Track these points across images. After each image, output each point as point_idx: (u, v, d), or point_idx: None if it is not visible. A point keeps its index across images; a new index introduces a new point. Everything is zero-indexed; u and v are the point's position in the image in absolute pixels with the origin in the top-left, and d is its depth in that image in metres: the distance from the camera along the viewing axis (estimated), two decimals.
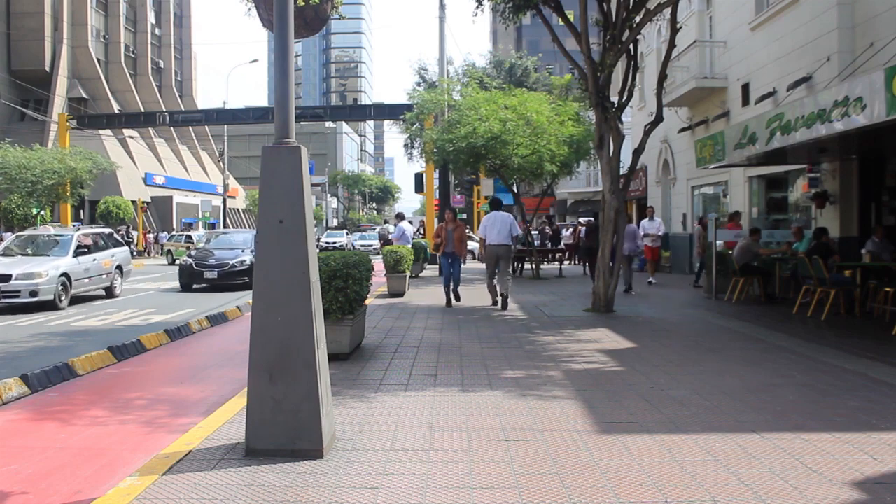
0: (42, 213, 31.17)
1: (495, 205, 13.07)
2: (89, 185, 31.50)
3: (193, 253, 19.62)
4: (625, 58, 12.41)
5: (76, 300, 15.07)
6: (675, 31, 12.11)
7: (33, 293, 13.35)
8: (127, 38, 53.34)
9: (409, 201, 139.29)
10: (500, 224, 12.06)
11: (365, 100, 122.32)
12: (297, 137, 4.71)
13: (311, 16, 6.95)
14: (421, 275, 20.07)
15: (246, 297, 14.91)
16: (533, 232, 23.25)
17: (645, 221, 17.77)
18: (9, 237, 19.31)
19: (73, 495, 4.23)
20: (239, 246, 19.06)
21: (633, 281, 15.25)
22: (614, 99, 12.72)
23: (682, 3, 15.96)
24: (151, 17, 56.87)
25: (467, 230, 14.45)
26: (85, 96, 46.69)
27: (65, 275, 14.12)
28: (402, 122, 26.76)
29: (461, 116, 18.00)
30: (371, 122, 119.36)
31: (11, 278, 13.33)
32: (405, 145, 43.19)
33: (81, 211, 41.20)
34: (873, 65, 10.61)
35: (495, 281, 12.43)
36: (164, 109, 47.81)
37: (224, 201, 49.27)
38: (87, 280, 15.09)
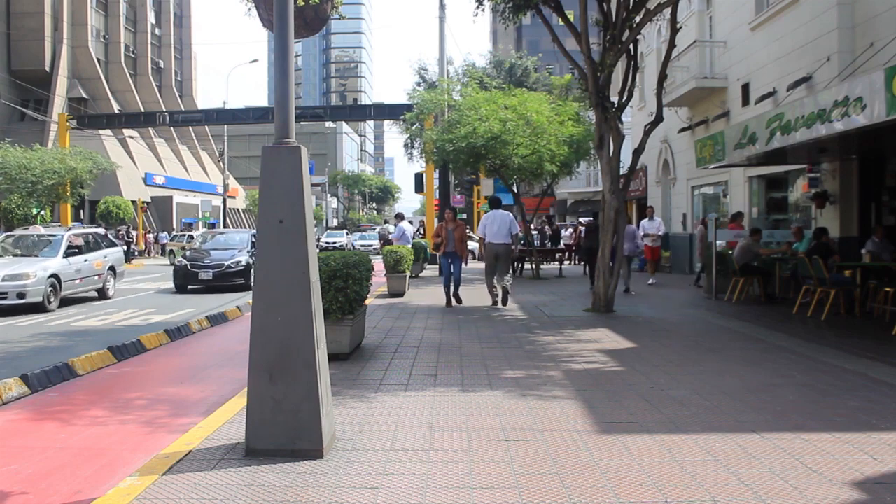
0: (42, 213, 31.15)
1: (495, 204, 13.12)
2: (89, 185, 31.50)
3: (188, 253, 19.14)
4: (625, 58, 12.41)
5: (70, 301, 14.90)
6: (675, 31, 12.11)
7: (21, 295, 12.95)
8: (127, 38, 53.33)
9: (409, 201, 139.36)
10: (499, 222, 12.12)
11: (365, 100, 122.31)
12: (297, 137, 4.71)
13: (311, 16, 6.95)
14: (421, 275, 20.07)
15: (245, 298, 14.92)
16: (532, 232, 23.25)
17: (645, 221, 17.77)
18: None
19: (73, 495, 4.23)
20: (235, 246, 18.67)
21: (630, 281, 15.23)
22: (614, 99, 12.72)
23: (682, 3, 15.96)
24: (151, 17, 56.86)
25: (467, 230, 14.43)
26: (85, 96, 46.68)
27: (54, 276, 13.72)
28: (402, 122, 26.76)
29: (461, 116, 18.00)
30: (371, 122, 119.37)
31: None
32: (405, 145, 43.21)
33: (81, 211, 41.19)
34: (873, 65, 10.61)
35: (495, 280, 12.47)
36: (164, 109, 47.80)
37: (224, 201, 49.27)
38: (77, 281, 14.72)
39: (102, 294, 15.87)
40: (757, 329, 9.80)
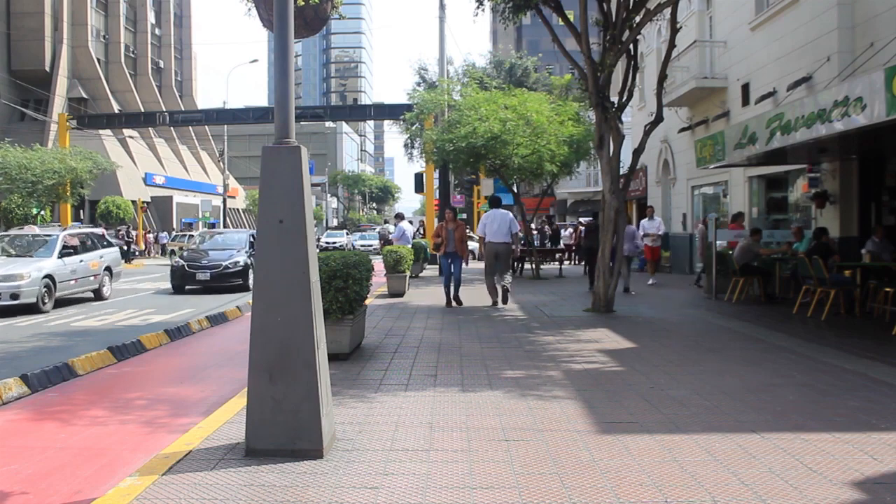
0: (42, 213, 31.16)
1: (495, 203, 13.15)
2: (89, 185, 31.51)
3: (186, 254, 18.88)
4: (625, 58, 12.41)
5: (67, 302, 14.83)
6: (675, 31, 12.11)
7: (14, 296, 12.75)
8: (127, 38, 53.33)
9: (409, 201, 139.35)
10: (499, 222, 12.15)
11: (365, 100, 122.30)
12: (297, 137, 4.71)
13: (311, 16, 6.95)
14: (421, 275, 20.08)
15: (244, 298, 14.92)
16: (533, 231, 23.25)
17: (645, 221, 17.76)
18: None
19: (73, 495, 4.23)
20: (233, 246, 18.40)
21: (630, 281, 15.23)
22: (614, 99, 12.72)
23: (682, 3, 15.96)
24: (151, 17, 56.86)
25: (467, 230, 14.43)
26: (85, 96, 46.68)
27: (48, 276, 13.51)
28: (402, 122, 26.76)
29: (461, 116, 18.00)
30: (371, 122, 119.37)
31: None
32: (405, 145, 43.22)
33: (81, 211, 41.20)
34: (873, 65, 10.61)
35: (495, 279, 12.49)
36: (164, 109, 47.80)
37: (224, 201, 49.27)
38: (72, 282, 14.50)
39: (98, 295, 15.68)
40: (757, 329, 9.80)
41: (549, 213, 41.14)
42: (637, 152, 12.43)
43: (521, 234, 15.08)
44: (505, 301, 12.48)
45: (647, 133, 12.39)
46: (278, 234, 4.48)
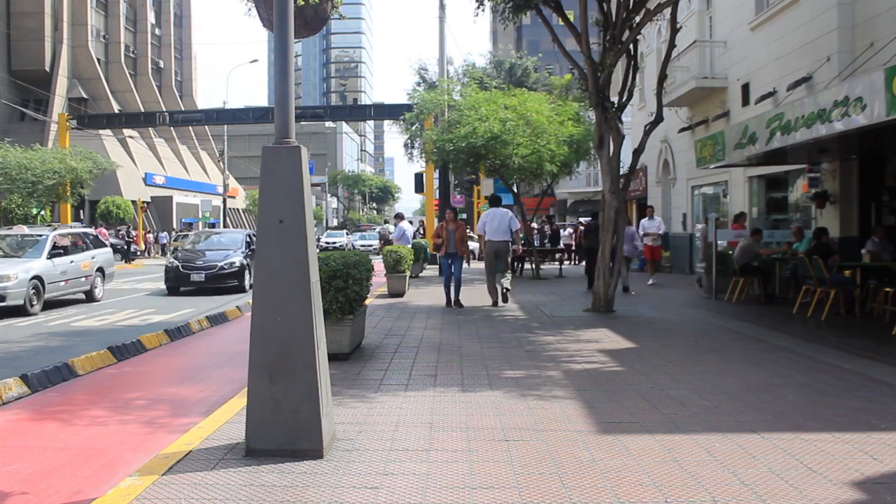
0: (42, 213, 31.16)
1: (495, 202, 13.19)
2: (89, 185, 31.51)
3: (180, 254, 18.40)
4: (625, 58, 12.41)
5: (66, 302, 14.73)
6: (675, 31, 12.11)
7: (0, 297, 12.37)
8: (127, 38, 53.33)
9: (409, 201, 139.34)
10: (498, 220, 12.20)
11: (365, 100, 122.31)
12: (297, 137, 4.71)
13: (311, 16, 6.95)
14: (421, 275, 20.08)
15: (243, 299, 14.92)
16: (533, 231, 23.25)
17: (645, 221, 17.76)
18: None
19: (73, 495, 4.23)
20: (229, 247, 18.00)
21: (629, 280, 15.23)
22: (614, 99, 12.73)
23: (682, 3, 15.96)
24: (151, 17, 56.85)
25: (467, 230, 14.43)
26: (85, 96, 46.68)
27: (37, 278, 13.08)
28: (402, 122, 26.76)
29: (461, 116, 18.00)
30: (371, 122, 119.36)
31: None
32: (405, 145, 43.16)
33: (81, 211, 41.20)
34: (873, 65, 10.61)
35: (496, 280, 12.50)
36: (164, 109, 47.80)
37: (224, 201, 49.28)
38: (62, 283, 14.05)
39: (90, 296, 15.24)
40: (757, 329, 9.80)
41: (549, 213, 41.13)
42: (637, 152, 12.43)
43: (521, 233, 15.10)
44: (505, 300, 12.49)
45: (647, 133, 12.39)
46: (278, 234, 4.48)
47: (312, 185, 28.19)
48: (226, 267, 16.95)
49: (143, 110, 46.95)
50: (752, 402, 5.69)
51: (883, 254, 11.29)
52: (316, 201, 72.04)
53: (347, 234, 51.17)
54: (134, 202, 42.44)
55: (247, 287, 16.94)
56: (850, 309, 11.04)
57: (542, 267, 20.38)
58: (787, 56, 13.96)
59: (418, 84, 42.03)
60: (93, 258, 15.43)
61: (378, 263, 14.55)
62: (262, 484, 3.98)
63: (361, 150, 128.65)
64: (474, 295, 13.76)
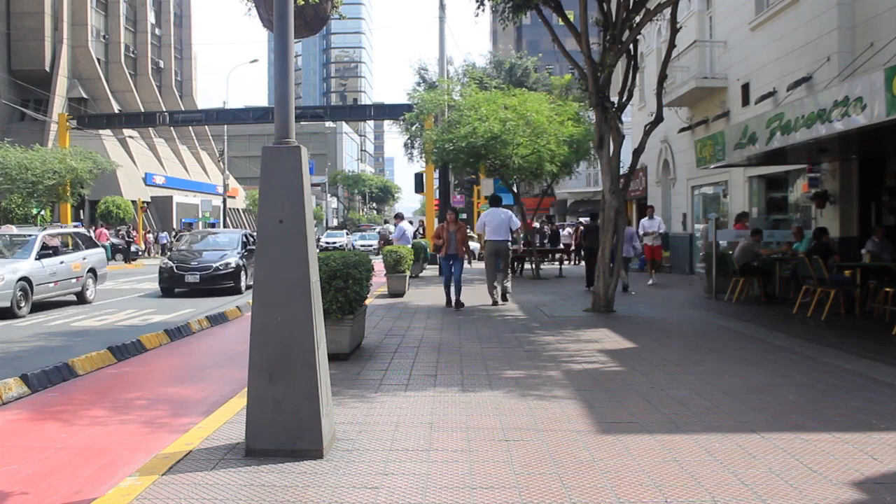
0: (42, 213, 31.16)
1: (495, 202, 13.22)
2: (89, 185, 31.51)
3: (174, 254, 18.01)
4: (625, 58, 12.41)
5: (65, 303, 14.64)
6: (675, 31, 12.11)
7: None
8: (127, 38, 53.31)
9: (409, 201, 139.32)
10: (498, 220, 12.24)
11: (365, 100, 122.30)
12: (297, 137, 4.71)
13: (311, 15, 6.95)
14: (421, 275, 20.08)
15: (240, 299, 14.92)
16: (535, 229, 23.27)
17: (645, 220, 17.75)
18: None
19: (73, 495, 4.23)
20: (224, 247, 17.56)
21: (628, 280, 15.24)
22: (614, 99, 12.73)
23: (682, 3, 15.96)
24: (151, 17, 56.84)
25: (468, 230, 14.43)
26: (85, 96, 46.67)
27: (25, 279, 12.74)
28: (402, 123, 26.77)
29: (461, 116, 18.01)
30: (371, 122, 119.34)
31: None
32: (405, 145, 43.13)
33: (81, 211, 41.19)
34: (873, 65, 10.61)
35: (496, 280, 12.52)
36: (164, 109, 47.78)
37: (224, 201, 49.28)
38: (52, 285, 13.70)
39: (81, 298, 14.88)
40: (757, 329, 9.80)
41: (549, 213, 41.13)
42: (637, 152, 12.43)
43: (521, 232, 15.12)
44: (504, 299, 12.50)
45: (647, 133, 12.39)
46: (278, 234, 4.48)
47: (312, 185, 28.17)
48: (221, 268, 16.54)
49: (143, 110, 46.93)
50: (752, 402, 5.69)
51: (883, 254, 11.29)
52: (316, 201, 72.05)
53: (347, 234, 51.17)
54: (134, 202, 42.43)
55: (243, 288, 16.69)
56: (850, 309, 11.04)
57: (542, 267, 20.38)
58: (787, 56, 13.96)
59: (418, 84, 42.01)
60: (84, 259, 15.08)
61: (378, 263, 14.56)
62: (262, 484, 3.98)
63: (361, 150, 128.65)
64: (474, 295, 13.76)
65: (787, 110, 9.71)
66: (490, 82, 26.77)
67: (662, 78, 12.63)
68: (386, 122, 69.73)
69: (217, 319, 11.99)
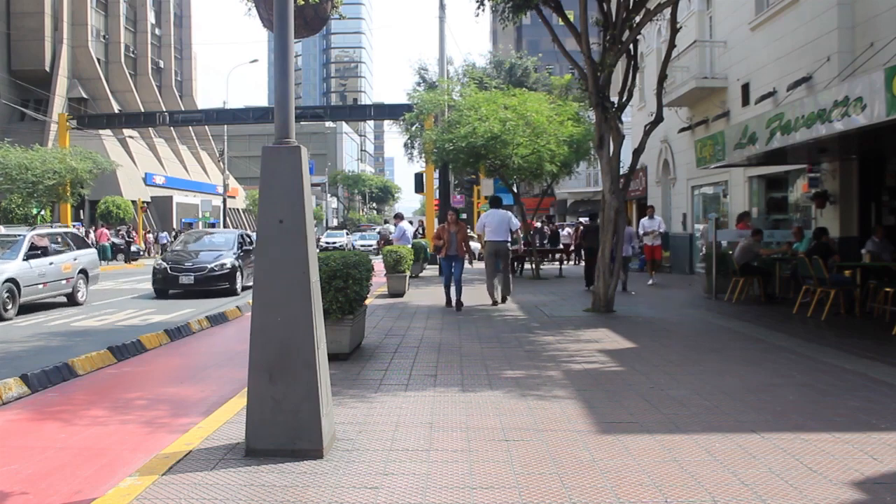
0: (42, 213, 31.16)
1: (495, 203, 13.23)
2: (89, 185, 31.49)
3: (169, 255, 17.57)
4: (625, 58, 12.41)
5: (65, 303, 14.56)
6: (675, 31, 12.11)
7: None
8: (127, 38, 53.31)
9: (409, 201, 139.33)
10: (498, 220, 12.27)
11: (365, 100, 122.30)
12: (297, 137, 4.71)
13: (311, 15, 6.95)
14: (421, 275, 20.08)
15: (236, 302, 14.92)
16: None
17: (645, 220, 17.75)
18: None
19: (73, 495, 4.23)
20: (221, 247, 17.12)
21: (627, 280, 15.26)
22: (614, 99, 12.73)
23: (682, 3, 15.96)
24: (151, 17, 56.84)
25: (468, 230, 14.43)
26: (85, 96, 46.67)
27: (11, 280, 12.45)
28: (402, 123, 26.77)
29: (461, 116, 18.01)
30: (371, 122, 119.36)
31: None
32: (405, 145, 43.14)
33: (81, 211, 41.18)
34: (873, 65, 10.61)
35: (496, 280, 12.53)
36: (164, 109, 47.78)
37: (224, 201, 49.26)
38: (41, 286, 13.39)
39: (72, 300, 14.57)
40: (757, 329, 9.80)
41: (549, 213, 41.14)
42: (637, 152, 12.43)
43: (521, 233, 15.13)
44: (503, 300, 12.51)
45: (647, 133, 12.39)
46: (278, 234, 4.48)
47: (312, 185, 28.15)
48: (216, 268, 16.16)
49: (143, 110, 46.94)
50: (752, 402, 5.69)
51: (883, 254, 11.29)
52: (316, 201, 72.05)
53: (347, 234, 51.18)
54: (134, 202, 42.42)
55: (239, 290, 16.42)
56: (850, 309, 11.04)
57: (542, 267, 20.38)
58: (787, 56, 13.96)
59: (418, 84, 42.00)
60: (75, 260, 14.74)
61: (378, 263, 14.57)
62: (262, 484, 3.98)
63: (361, 150, 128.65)
64: (474, 295, 13.76)
65: (787, 110, 9.71)
66: (490, 82, 26.79)
67: (662, 78, 12.63)
68: (386, 122, 69.73)
69: (217, 319, 11.99)
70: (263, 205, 4.53)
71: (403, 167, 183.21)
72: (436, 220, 25.94)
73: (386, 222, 43.73)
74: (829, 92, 8.91)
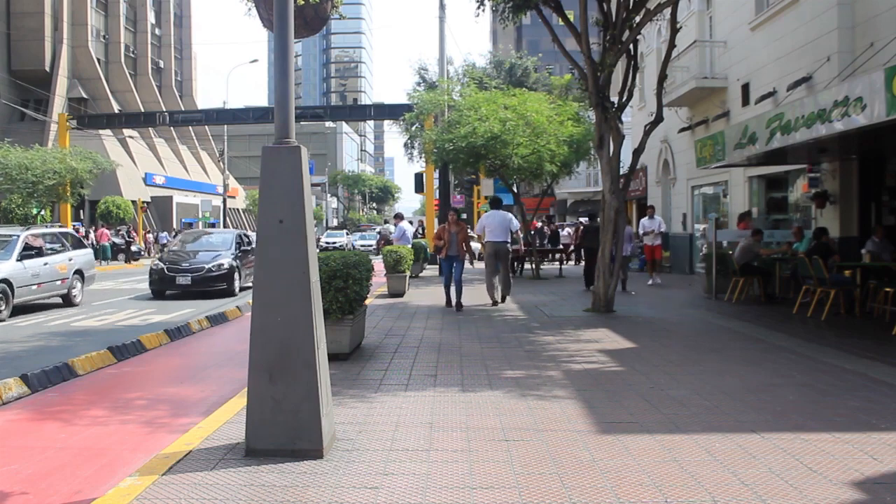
0: (42, 213, 31.16)
1: (495, 203, 13.23)
2: (89, 185, 31.48)
3: (166, 255, 17.40)
4: (625, 58, 12.41)
5: (44, 307, 14.24)
6: (675, 31, 12.11)
7: None
8: (127, 38, 53.30)
9: (409, 201, 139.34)
10: (498, 221, 12.28)
11: (365, 100, 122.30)
12: (297, 137, 4.71)
13: (311, 15, 6.95)
14: (421, 275, 20.08)
15: (235, 302, 14.91)
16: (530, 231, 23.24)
17: (645, 220, 17.74)
18: None
19: (73, 495, 4.23)
20: (218, 247, 16.94)
21: (627, 280, 15.27)
22: (614, 99, 12.73)
23: (682, 3, 15.96)
24: (151, 17, 56.83)
25: (468, 230, 14.42)
26: (85, 96, 46.66)
27: (4, 281, 12.30)
28: (402, 123, 26.77)
29: (461, 116, 18.01)
30: (371, 122, 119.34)
31: None
32: (405, 145, 43.14)
33: (82, 211, 41.19)
34: (873, 65, 10.61)
35: (496, 280, 12.53)
36: (164, 109, 47.77)
37: (224, 201, 49.26)
38: (35, 287, 13.21)
39: (67, 300, 14.41)
40: (757, 329, 9.80)
41: (549, 213, 41.13)
42: (637, 152, 12.43)
43: (521, 233, 15.14)
44: (503, 300, 12.52)
45: (647, 133, 12.39)
46: (278, 234, 4.48)
47: (312, 185, 28.15)
48: (214, 269, 15.95)
49: (143, 110, 46.93)
50: (752, 402, 5.69)
51: (883, 254, 11.29)
52: (316, 201, 72.04)
53: (347, 234, 51.17)
54: (134, 202, 42.41)
55: (237, 290, 16.28)
56: (850, 309, 11.04)
57: (541, 267, 20.38)
58: (787, 56, 13.96)
59: (418, 84, 42.00)
60: (70, 260, 14.57)
61: (378, 263, 14.56)
62: (262, 484, 3.98)
63: (361, 150, 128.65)
64: (474, 295, 13.76)
65: (787, 110, 9.71)
66: (490, 82, 26.80)
67: (662, 78, 12.62)
68: (386, 122, 69.75)
69: (217, 319, 11.99)
70: (263, 205, 4.53)
71: (403, 167, 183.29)
72: (436, 220, 25.94)
73: (386, 222, 43.69)
74: (829, 92, 8.91)
